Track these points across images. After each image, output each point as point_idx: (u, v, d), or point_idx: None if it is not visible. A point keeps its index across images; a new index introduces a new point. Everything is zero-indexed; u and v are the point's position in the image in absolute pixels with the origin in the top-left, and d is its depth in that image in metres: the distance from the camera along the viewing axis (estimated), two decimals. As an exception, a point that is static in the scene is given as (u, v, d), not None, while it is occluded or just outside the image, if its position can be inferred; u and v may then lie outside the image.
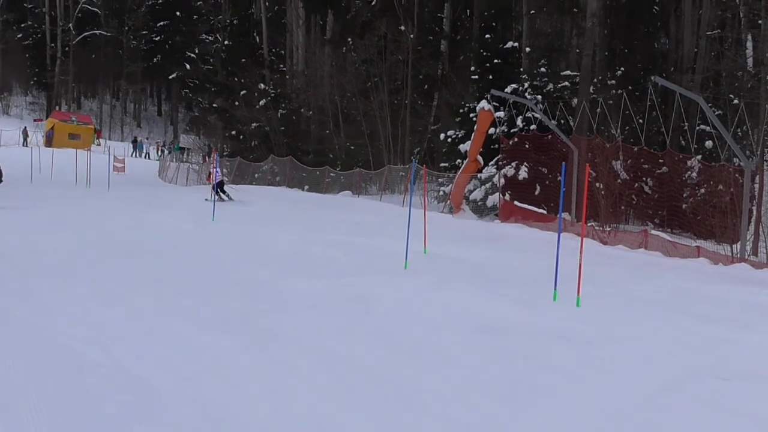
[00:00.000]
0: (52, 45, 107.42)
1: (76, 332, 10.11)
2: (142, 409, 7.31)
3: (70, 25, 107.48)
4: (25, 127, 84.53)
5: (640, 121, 26.51)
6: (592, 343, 10.26)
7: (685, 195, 26.41)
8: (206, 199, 37.65)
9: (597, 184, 25.41)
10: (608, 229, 24.38)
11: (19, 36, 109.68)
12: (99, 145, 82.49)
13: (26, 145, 75.39)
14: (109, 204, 33.26)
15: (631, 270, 17.96)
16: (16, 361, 8.58)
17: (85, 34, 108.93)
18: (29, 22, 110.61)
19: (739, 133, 28.50)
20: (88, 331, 10.21)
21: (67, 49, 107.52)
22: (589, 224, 23.03)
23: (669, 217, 27.00)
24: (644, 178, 28.00)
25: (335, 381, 8.29)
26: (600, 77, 34.65)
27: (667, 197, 26.71)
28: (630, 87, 32.93)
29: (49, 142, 79.30)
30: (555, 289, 13.04)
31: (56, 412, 7.14)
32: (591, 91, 31.67)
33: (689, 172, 26.52)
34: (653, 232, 22.96)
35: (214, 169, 39.22)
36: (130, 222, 26.16)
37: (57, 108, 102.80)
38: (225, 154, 55.84)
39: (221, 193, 37.87)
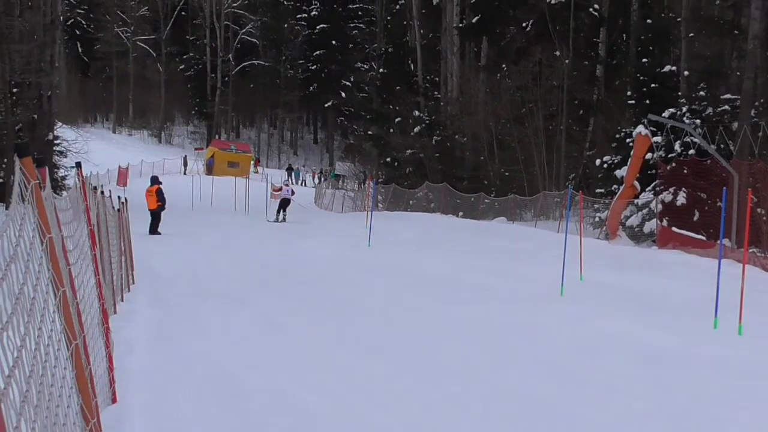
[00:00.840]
0: (213, 75, 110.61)
1: (237, 356, 10.39)
2: (302, 433, 7.47)
3: (230, 55, 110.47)
4: (186, 156, 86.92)
5: (805, 145, 25.76)
6: (756, 372, 10.03)
7: None
8: (268, 220, 40.33)
9: (758, 210, 24.73)
10: (771, 255, 23.73)
11: (182, 67, 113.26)
12: (257, 173, 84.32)
13: (185, 173, 77.44)
14: (267, 231, 33.94)
15: (796, 298, 17.45)
16: (182, 385, 8.87)
17: (244, 64, 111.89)
18: (191, 54, 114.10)
19: None
20: (249, 355, 10.48)
21: (226, 79, 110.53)
22: (750, 251, 22.42)
23: (837, 244, 26.03)
24: (809, 204, 27.12)
25: (494, 408, 8.32)
26: (762, 100, 33.72)
27: (835, 223, 25.77)
28: (794, 110, 32.02)
29: (209, 170, 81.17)
30: (716, 316, 12.79)
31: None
32: (752, 114, 30.87)
33: None
34: (819, 259, 22.24)
35: (287, 188, 41.87)
36: (287, 248, 26.67)
37: (217, 137, 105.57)
38: (380, 180, 56.34)
39: (280, 213, 40.89)
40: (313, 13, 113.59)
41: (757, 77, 32.23)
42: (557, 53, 47.77)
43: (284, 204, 40.98)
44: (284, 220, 40.46)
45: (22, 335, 3.68)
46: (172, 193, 37.15)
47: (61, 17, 46.61)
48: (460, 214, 44.04)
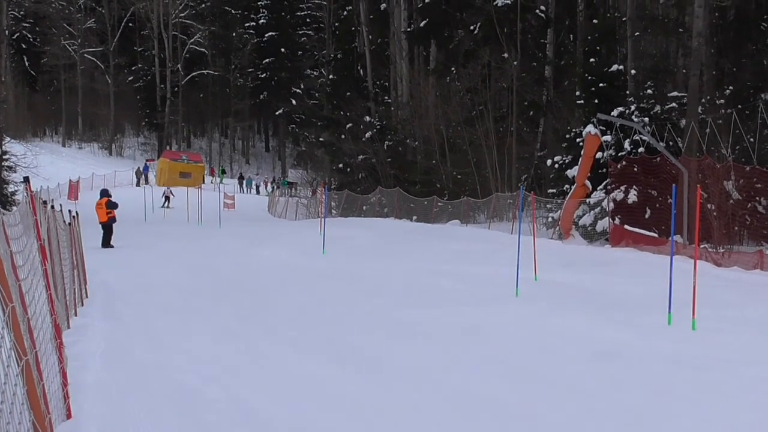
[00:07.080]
0: (162, 86, 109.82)
1: (193, 368, 10.31)
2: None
3: (179, 66, 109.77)
4: (138, 168, 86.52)
5: (752, 140, 26.02)
6: (710, 367, 10.09)
7: (802, 214, 25.73)
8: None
9: (708, 206, 24.96)
10: (722, 250, 23.94)
11: (130, 79, 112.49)
12: (213, 183, 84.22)
13: (138, 185, 77.14)
14: (221, 240, 33.74)
15: (747, 292, 17.57)
16: (138, 399, 8.75)
17: (193, 74, 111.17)
18: (140, 65, 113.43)
19: None
20: (205, 367, 10.40)
21: (176, 89, 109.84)
22: (701, 246, 22.63)
23: (785, 236, 26.31)
24: (758, 198, 27.38)
25: (450, 411, 8.32)
26: (708, 97, 34.09)
27: (783, 216, 26.06)
28: (740, 106, 32.30)
29: (146, 179, 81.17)
30: (669, 312, 12.89)
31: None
32: (699, 111, 31.16)
33: (805, 191, 25.86)
34: (769, 252, 22.45)
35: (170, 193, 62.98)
36: (241, 257, 26.57)
37: (168, 147, 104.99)
38: (333, 187, 56.28)
39: (164, 203, 60.39)
40: (261, 21, 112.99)
41: (702, 74, 32.60)
42: (505, 55, 48.00)
43: (168, 199, 61.47)
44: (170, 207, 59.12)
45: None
46: (124, 205, 36.89)
47: (7, 31, 46.10)
48: (414, 218, 44.06)
